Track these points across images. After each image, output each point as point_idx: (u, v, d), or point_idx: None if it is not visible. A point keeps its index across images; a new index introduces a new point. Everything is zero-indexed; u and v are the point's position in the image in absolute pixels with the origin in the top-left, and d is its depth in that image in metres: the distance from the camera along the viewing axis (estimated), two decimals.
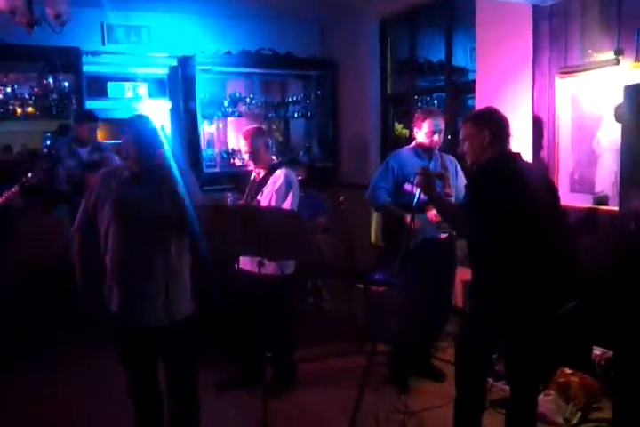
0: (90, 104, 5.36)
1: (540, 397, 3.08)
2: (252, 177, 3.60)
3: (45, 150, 5.10)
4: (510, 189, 2.48)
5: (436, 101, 5.84)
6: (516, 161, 2.64)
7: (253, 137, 3.47)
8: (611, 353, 3.20)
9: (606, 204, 3.44)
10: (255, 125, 3.86)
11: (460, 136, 2.73)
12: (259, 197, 3.47)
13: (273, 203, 3.41)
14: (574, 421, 3.11)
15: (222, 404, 3.36)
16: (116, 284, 2.50)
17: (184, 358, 2.62)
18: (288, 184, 3.46)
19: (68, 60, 5.10)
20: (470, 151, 2.65)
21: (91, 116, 4.67)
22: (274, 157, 3.67)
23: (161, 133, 2.50)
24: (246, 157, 3.53)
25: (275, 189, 3.44)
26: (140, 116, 2.59)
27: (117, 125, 5.74)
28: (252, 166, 3.56)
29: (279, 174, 3.48)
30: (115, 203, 2.47)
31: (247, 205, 3.42)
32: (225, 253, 2.75)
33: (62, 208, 4.67)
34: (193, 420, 2.68)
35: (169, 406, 2.64)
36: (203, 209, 2.45)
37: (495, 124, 2.63)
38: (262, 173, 3.54)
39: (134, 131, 2.50)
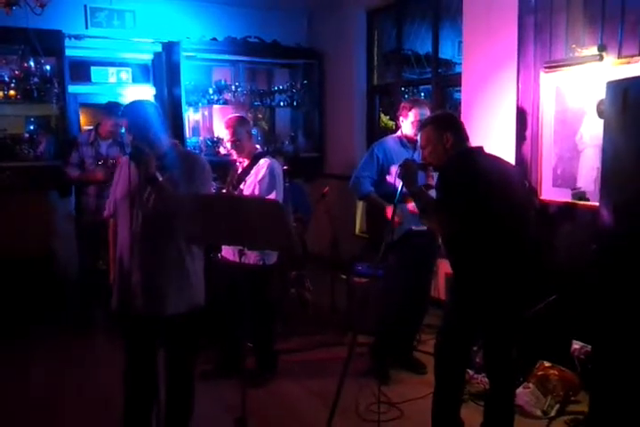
0: (73, 89, 5.29)
1: (519, 389, 3.12)
2: (236, 166, 3.57)
3: (27, 135, 5.02)
4: (479, 180, 2.49)
5: (422, 93, 5.83)
6: (479, 154, 2.64)
7: (236, 126, 3.43)
8: (589, 347, 3.24)
9: (585, 199, 3.47)
10: (237, 114, 3.82)
11: (421, 143, 2.71)
12: (241, 187, 3.45)
13: (256, 193, 3.39)
14: (552, 413, 3.14)
15: (204, 393, 3.35)
16: (119, 271, 2.54)
17: (183, 348, 2.63)
18: (272, 175, 3.43)
19: (50, 43, 5.00)
20: (434, 155, 2.64)
21: (118, 111, 4.42)
22: (257, 146, 3.65)
23: (160, 117, 2.53)
24: (229, 145, 3.50)
25: (258, 180, 3.41)
26: (137, 102, 2.58)
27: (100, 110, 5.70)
28: (234, 155, 3.54)
29: (263, 164, 3.45)
30: (120, 190, 2.53)
31: (228, 194, 3.39)
32: (206, 241, 2.72)
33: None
34: (186, 410, 2.69)
35: (165, 393, 2.63)
36: (188, 198, 2.42)
37: (456, 125, 2.65)
38: (246, 163, 3.51)
39: (133, 117, 2.50)
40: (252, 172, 3.45)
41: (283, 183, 3.59)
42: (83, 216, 4.50)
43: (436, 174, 3.58)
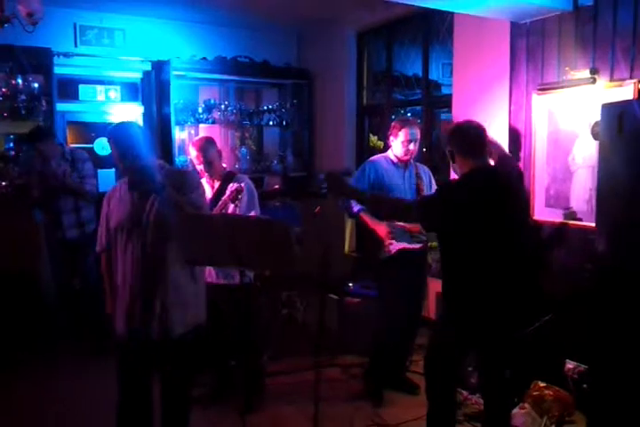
0: (60, 106, 5.26)
1: (515, 410, 3.10)
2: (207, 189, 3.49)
3: (12, 153, 4.95)
4: (479, 197, 2.49)
5: (409, 114, 5.88)
6: (481, 170, 2.62)
7: (207, 147, 3.34)
8: (583, 367, 3.24)
9: (577, 219, 3.50)
10: (204, 135, 3.80)
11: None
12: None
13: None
14: None
15: (198, 420, 3.28)
16: (120, 297, 2.49)
17: (179, 373, 2.59)
18: (251, 195, 3.36)
19: (39, 60, 4.98)
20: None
21: (38, 136, 4.35)
22: (224, 165, 3.60)
23: (145, 137, 2.50)
24: (200, 168, 3.39)
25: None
26: (123, 124, 2.55)
27: (88, 129, 5.66)
28: (207, 178, 3.43)
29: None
30: (115, 219, 2.48)
31: (227, 215, 3.30)
32: (207, 263, 2.68)
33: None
34: None
35: (162, 421, 2.59)
36: (183, 217, 2.39)
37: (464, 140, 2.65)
38: (217, 185, 3.41)
39: (119, 140, 2.45)
40: (227, 193, 3.37)
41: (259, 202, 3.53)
42: (46, 231, 4.54)
43: (421, 166, 3.74)
